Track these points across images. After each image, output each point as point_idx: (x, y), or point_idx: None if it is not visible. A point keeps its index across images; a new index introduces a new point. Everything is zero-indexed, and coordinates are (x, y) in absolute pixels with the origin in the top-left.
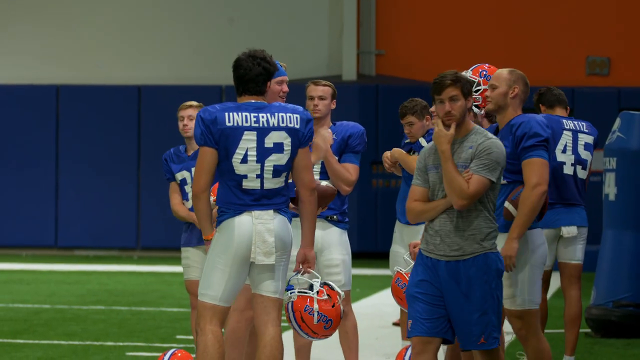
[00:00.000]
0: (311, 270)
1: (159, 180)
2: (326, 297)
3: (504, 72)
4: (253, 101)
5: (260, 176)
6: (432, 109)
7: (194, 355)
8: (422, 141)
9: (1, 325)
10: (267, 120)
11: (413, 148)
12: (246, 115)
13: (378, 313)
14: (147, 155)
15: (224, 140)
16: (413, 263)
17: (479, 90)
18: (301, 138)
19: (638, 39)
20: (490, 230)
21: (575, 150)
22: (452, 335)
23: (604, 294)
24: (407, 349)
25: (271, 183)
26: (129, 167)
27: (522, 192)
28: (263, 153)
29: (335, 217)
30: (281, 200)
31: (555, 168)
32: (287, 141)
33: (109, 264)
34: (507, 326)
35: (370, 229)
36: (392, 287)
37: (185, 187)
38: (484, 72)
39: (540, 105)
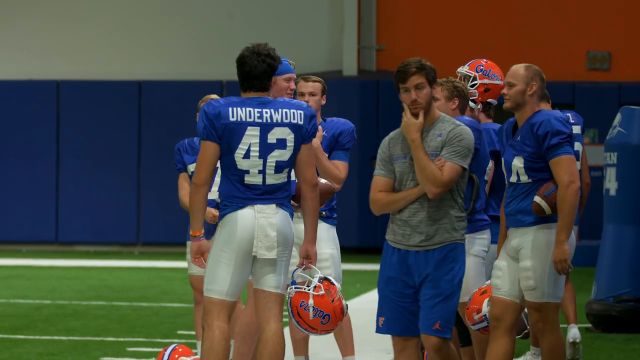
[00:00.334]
0: (312, 266)
1: (159, 175)
2: (323, 292)
3: (520, 69)
4: (257, 96)
5: (263, 172)
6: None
7: (195, 351)
8: None
9: (1, 321)
10: (271, 116)
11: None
12: (250, 111)
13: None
14: (148, 150)
15: (227, 135)
16: None
17: (475, 84)
18: (304, 134)
19: (639, 34)
20: (459, 220)
21: None
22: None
23: (604, 289)
24: None
25: (273, 178)
26: (130, 163)
27: (558, 193)
28: (266, 149)
29: (324, 213)
30: (283, 195)
31: None
32: (290, 137)
33: (109, 259)
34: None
35: (370, 225)
36: None
37: None
38: (481, 67)
39: None
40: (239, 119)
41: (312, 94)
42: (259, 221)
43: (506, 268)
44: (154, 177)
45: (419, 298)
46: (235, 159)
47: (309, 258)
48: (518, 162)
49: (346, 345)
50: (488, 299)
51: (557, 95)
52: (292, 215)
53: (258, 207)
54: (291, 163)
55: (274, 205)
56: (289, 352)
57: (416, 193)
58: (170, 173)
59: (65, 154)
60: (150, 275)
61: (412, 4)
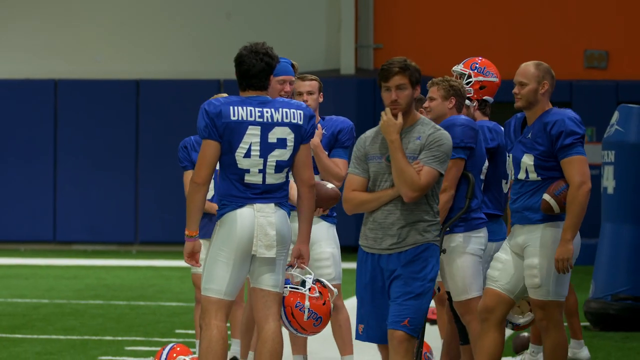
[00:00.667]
0: (305, 266)
1: (157, 174)
2: (318, 294)
3: (530, 67)
4: (257, 95)
5: (263, 171)
6: (426, 104)
7: (193, 350)
8: None
9: (0, 320)
10: (272, 116)
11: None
12: (251, 110)
13: None
14: (146, 149)
15: (228, 134)
16: None
17: (470, 82)
18: (303, 134)
19: (636, 32)
20: (433, 223)
21: None
22: None
23: (602, 287)
24: None
25: (273, 178)
26: (128, 162)
27: (569, 192)
28: (266, 148)
29: (326, 212)
30: (282, 194)
31: None
32: (290, 137)
33: (107, 258)
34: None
35: None
36: None
37: None
38: (476, 65)
39: None
40: (240, 118)
41: (309, 93)
42: (258, 220)
43: (509, 262)
44: (152, 176)
45: (391, 296)
46: (236, 158)
47: (301, 258)
48: (528, 160)
49: (345, 344)
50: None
51: (555, 93)
52: (289, 214)
53: (257, 206)
54: (290, 163)
55: (272, 205)
56: (287, 351)
57: (390, 195)
58: (168, 172)
59: (63, 153)
60: (148, 274)
61: (410, 2)
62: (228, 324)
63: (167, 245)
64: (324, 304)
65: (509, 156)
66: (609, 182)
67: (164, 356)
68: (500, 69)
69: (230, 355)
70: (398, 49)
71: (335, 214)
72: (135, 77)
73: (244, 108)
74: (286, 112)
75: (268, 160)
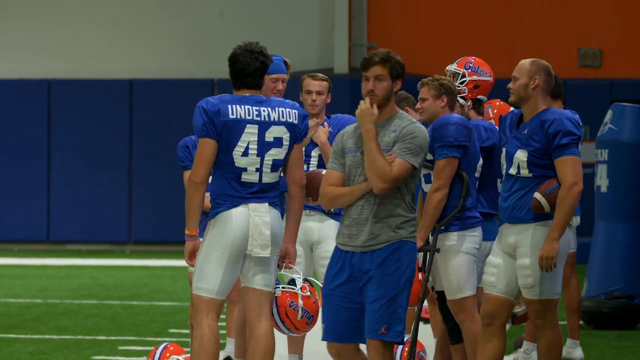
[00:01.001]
0: (292, 266)
1: (151, 174)
2: (308, 293)
3: (525, 63)
4: (253, 95)
5: (260, 170)
6: (418, 105)
7: (186, 349)
8: None
9: None
10: (268, 115)
11: None
12: (248, 109)
13: None
14: (139, 149)
15: (226, 133)
16: None
17: (465, 81)
18: (297, 134)
19: (630, 30)
20: (407, 219)
21: None
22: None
23: (596, 286)
24: None
25: (269, 177)
26: (121, 161)
27: (560, 192)
28: (263, 147)
29: (332, 209)
30: (275, 194)
31: None
32: (286, 136)
33: (101, 258)
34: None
35: None
36: None
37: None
38: (470, 64)
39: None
40: (238, 117)
41: (319, 93)
42: (253, 220)
43: (501, 265)
44: (146, 176)
45: (364, 300)
46: (234, 156)
47: (289, 257)
48: (522, 156)
49: None
50: None
51: None
52: (282, 215)
53: (252, 205)
54: (285, 162)
55: (266, 204)
56: (283, 351)
57: (363, 188)
58: (162, 171)
59: (56, 153)
60: (141, 273)
61: (404, 1)
62: (224, 323)
63: (161, 245)
64: (314, 302)
65: (502, 150)
66: (602, 181)
67: (157, 356)
68: (494, 67)
69: (224, 354)
70: (392, 47)
71: (343, 212)
72: (128, 76)
73: (242, 106)
74: (282, 111)
75: (265, 159)
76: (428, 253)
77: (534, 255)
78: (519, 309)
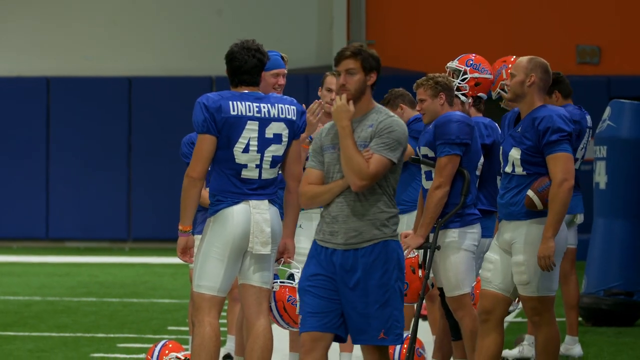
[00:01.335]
0: (291, 261)
1: (149, 171)
2: None
3: (523, 60)
4: (251, 91)
5: (260, 166)
6: (418, 107)
7: (185, 347)
8: None
9: None
10: (268, 111)
11: None
12: (249, 105)
13: None
14: (138, 146)
15: (227, 129)
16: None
17: (466, 79)
18: (296, 130)
19: (628, 27)
20: (390, 216)
21: (585, 146)
22: (345, 332)
23: (594, 282)
24: None
25: (268, 173)
26: (120, 159)
27: (550, 190)
28: (264, 143)
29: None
30: (273, 191)
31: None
32: (285, 132)
33: (99, 255)
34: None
35: None
36: None
37: None
38: (471, 61)
39: (557, 92)
40: (239, 113)
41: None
42: (254, 217)
43: (498, 262)
44: (144, 173)
45: (349, 303)
46: (234, 153)
47: (287, 252)
48: (515, 154)
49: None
50: None
51: None
52: (282, 213)
53: (253, 202)
54: (284, 158)
55: (266, 201)
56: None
57: (341, 185)
58: (161, 168)
59: (55, 150)
60: (140, 271)
61: None
62: (224, 321)
63: (160, 242)
64: None
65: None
66: (601, 178)
67: (156, 353)
68: (491, 65)
69: (224, 352)
70: (390, 45)
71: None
72: (127, 74)
73: (243, 103)
74: (282, 107)
75: (265, 155)
76: (428, 250)
77: (528, 252)
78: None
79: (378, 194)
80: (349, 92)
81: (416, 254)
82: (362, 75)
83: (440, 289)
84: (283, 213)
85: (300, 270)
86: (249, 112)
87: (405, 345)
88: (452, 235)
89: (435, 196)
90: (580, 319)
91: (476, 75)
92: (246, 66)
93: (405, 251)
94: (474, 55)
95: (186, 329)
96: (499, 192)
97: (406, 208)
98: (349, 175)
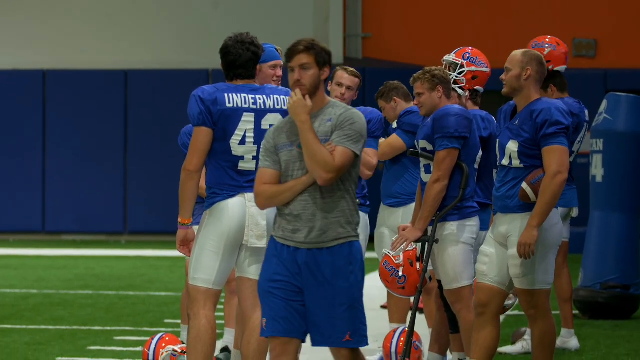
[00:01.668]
0: None
1: (146, 164)
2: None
3: (517, 54)
4: (247, 84)
5: (256, 157)
6: (415, 101)
7: (181, 339)
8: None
9: None
10: (264, 102)
11: (390, 131)
12: (244, 97)
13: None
14: (134, 139)
15: (223, 121)
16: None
17: (463, 72)
18: None
19: (624, 20)
20: (353, 213)
21: (581, 141)
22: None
23: (591, 275)
24: (394, 331)
25: None
26: (116, 151)
27: (543, 181)
28: (260, 135)
29: (357, 200)
30: None
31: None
32: None
33: (96, 248)
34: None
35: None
36: (379, 270)
37: None
38: (468, 54)
39: (552, 86)
40: (235, 105)
41: (349, 88)
42: (250, 210)
43: (494, 255)
44: (141, 166)
45: (313, 303)
46: (231, 145)
47: None
48: (513, 146)
49: None
50: None
51: None
52: None
53: (248, 195)
54: None
55: None
56: None
57: (305, 182)
58: (157, 161)
59: (51, 143)
60: (137, 264)
61: None
62: (221, 313)
63: (156, 235)
64: None
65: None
66: (597, 171)
67: (152, 346)
68: (489, 57)
69: (222, 344)
70: (386, 38)
71: (368, 203)
72: (123, 67)
73: (238, 95)
74: (277, 98)
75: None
76: (426, 243)
77: None
78: (508, 302)
79: (342, 191)
80: (304, 87)
81: (414, 246)
82: (316, 70)
83: (439, 281)
84: None
85: None
86: (245, 103)
87: (403, 338)
88: (450, 228)
89: (434, 189)
90: (576, 312)
91: (473, 68)
92: (241, 60)
93: (404, 244)
94: (470, 48)
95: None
96: (495, 185)
97: (401, 201)
98: (314, 169)
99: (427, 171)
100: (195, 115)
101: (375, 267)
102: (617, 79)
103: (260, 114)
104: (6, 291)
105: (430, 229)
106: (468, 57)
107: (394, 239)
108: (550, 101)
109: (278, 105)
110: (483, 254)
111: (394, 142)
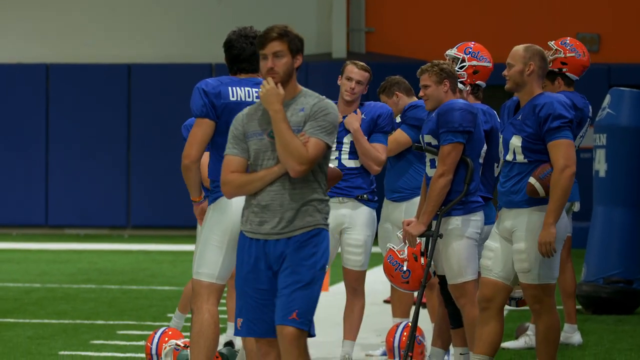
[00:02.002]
0: None
1: (149, 158)
2: None
3: (519, 49)
4: (250, 77)
5: None
6: (421, 93)
7: (185, 334)
8: (399, 119)
9: None
10: None
11: (394, 126)
12: (248, 90)
13: (370, 290)
14: (137, 133)
15: (226, 115)
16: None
17: (464, 66)
18: None
19: (628, 15)
20: (322, 202)
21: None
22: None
23: (594, 270)
24: (397, 326)
25: None
26: (119, 145)
27: (552, 176)
28: None
29: (365, 196)
30: None
31: None
32: None
33: (99, 242)
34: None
35: None
36: (384, 265)
37: None
38: (469, 49)
39: (560, 78)
40: (238, 99)
41: (358, 82)
42: None
43: (498, 250)
44: (144, 160)
45: (279, 285)
46: None
47: None
48: (516, 141)
49: (351, 329)
50: None
51: None
52: None
53: None
54: None
55: None
56: None
57: (276, 172)
58: (160, 155)
59: (54, 137)
60: (140, 258)
61: None
62: (224, 308)
63: (159, 229)
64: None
65: (501, 137)
66: (600, 165)
67: (155, 340)
68: (491, 52)
69: (226, 339)
70: (389, 32)
71: (376, 198)
72: (126, 61)
73: (242, 88)
74: None
75: None
76: (431, 238)
77: (529, 240)
78: (518, 292)
79: (311, 181)
80: (277, 74)
81: (418, 241)
82: (289, 57)
83: (440, 277)
84: None
85: None
86: (248, 97)
87: (406, 333)
88: (455, 222)
89: (438, 184)
90: (580, 307)
91: (474, 63)
92: (244, 54)
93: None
94: (473, 43)
95: (187, 316)
96: (499, 180)
97: (404, 195)
98: (287, 160)
99: (433, 166)
100: (199, 106)
101: (380, 262)
102: (621, 73)
103: None
104: (9, 285)
105: (434, 223)
106: (470, 52)
107: (397, 234)
108: (552, 95)
109: None
110: (488, 248)
111: (399, 137)
